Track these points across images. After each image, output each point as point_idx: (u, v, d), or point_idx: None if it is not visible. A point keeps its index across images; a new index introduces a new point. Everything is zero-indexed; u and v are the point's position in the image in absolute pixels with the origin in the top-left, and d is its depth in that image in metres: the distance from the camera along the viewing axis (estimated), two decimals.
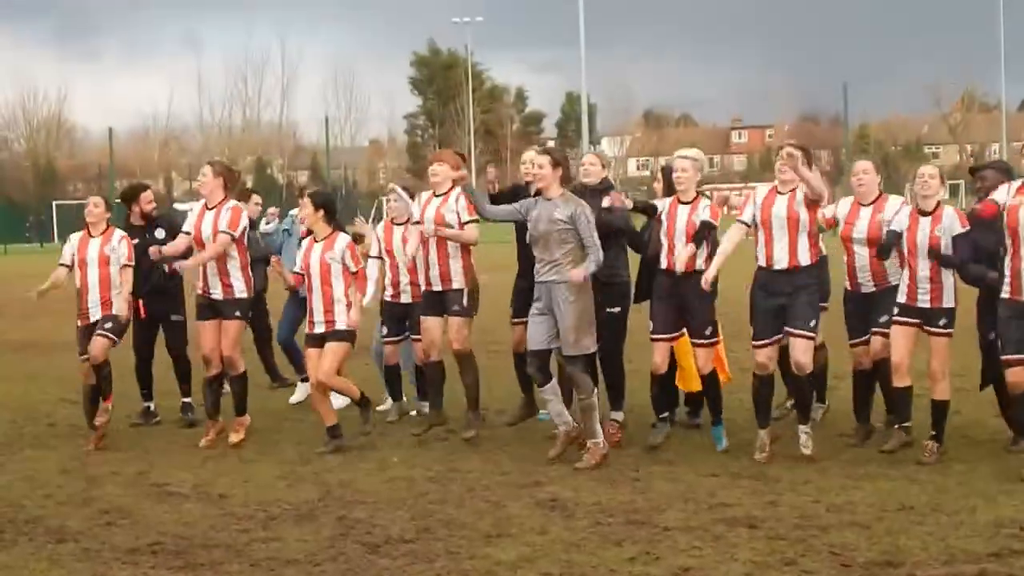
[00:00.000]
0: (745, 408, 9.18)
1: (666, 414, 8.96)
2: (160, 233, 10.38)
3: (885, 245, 8.20)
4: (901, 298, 8.20)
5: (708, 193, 9.05)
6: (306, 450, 9.11)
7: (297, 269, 9.35)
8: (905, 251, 8.19)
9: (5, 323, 20.06)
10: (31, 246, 59.04)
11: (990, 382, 8.51)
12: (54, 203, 65.15)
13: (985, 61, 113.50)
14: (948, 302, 8.09)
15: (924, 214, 8.13)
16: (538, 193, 8.62)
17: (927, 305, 8.10)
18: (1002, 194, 7.66)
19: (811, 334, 8.27)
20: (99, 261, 9.57)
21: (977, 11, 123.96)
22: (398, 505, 7.39)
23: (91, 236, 9.70)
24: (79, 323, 9.72)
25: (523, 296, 9.06)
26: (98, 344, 9.44)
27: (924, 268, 8.07)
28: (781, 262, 8.25)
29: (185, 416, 10.47)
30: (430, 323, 9.32)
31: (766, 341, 8.37)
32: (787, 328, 8.29)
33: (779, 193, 8.35)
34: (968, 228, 8.02)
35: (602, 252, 8.38)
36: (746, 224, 8.46)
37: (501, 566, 6.10)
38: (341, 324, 9.06)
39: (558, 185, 8.47)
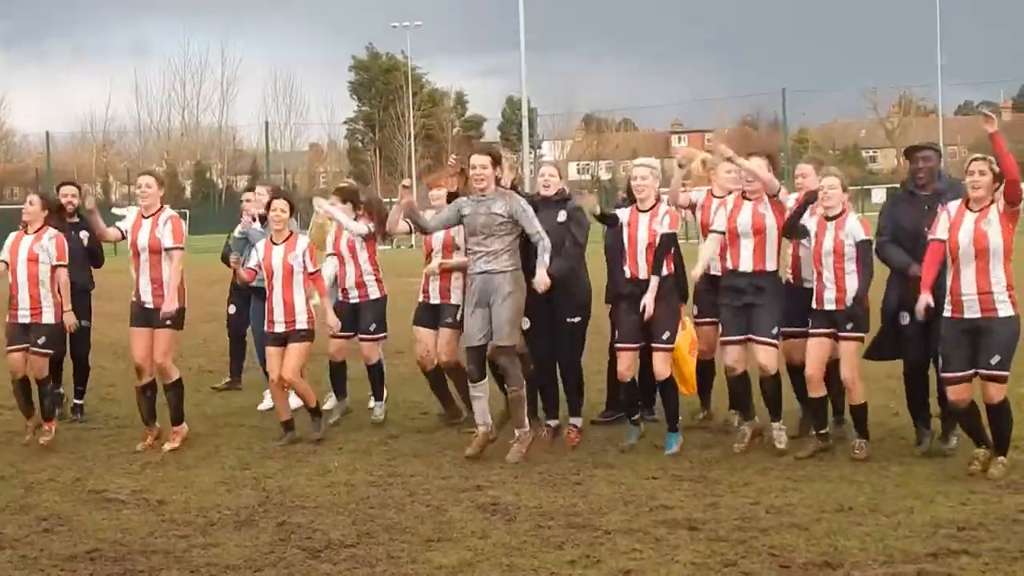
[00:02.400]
0: (684, 411, 9.23)
1: (637, 416, 9.07)
2: (83, 235, 10.51)
3: (798, 229, 8.40)
4: (813, 304, 8.33)
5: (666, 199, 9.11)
6: (246, 455, 9.06)
7: (251, 265, 9.54)
8: (812, 256, 8.36)
9: None
10: None
11: (876, 356, 8.56)
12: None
13: (922, 67, 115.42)
14: (849, 301, 8.14)
15: (828, 219, 8.26)
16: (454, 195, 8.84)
17: (833, 307, 8.20)
18: (953, 207, 7.72)
19: (774, 341, 8.44)
20: (28, 259, 9.43)
21: (915, 19, 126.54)
22: (339, 510, 7.35)
23: (25, 233, 9.56)
24: (8, 319, 9.60)
25: None
26: (37, 364, 9.47)
27: (829, 272, 8.20)
28: (746, 266, 8.44)
29: (75, 417, 10.67)
30: (423, 334, 9.69)
31: (733, 338, 8.59)
32: (751, 336, 8.48)
33: (746, 200, 8.54)
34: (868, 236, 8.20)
35: (545, 235, 8.51)
36: (721, 233, 8.63)
37: (442, 570, 6.09)
38: (302, 324, 9.30)
39: (494, 182, 8.62)
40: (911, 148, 8.87)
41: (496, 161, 8.73)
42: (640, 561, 6.13)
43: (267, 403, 10.77)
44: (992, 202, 7.57)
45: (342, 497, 7.68)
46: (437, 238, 9.56)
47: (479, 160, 8.69)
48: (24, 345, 9.51)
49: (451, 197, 9.46)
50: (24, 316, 9.45)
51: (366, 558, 6.33)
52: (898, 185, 8.89)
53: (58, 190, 10.88)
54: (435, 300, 9.66)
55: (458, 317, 9.38)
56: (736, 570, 5.95)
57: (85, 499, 7.87)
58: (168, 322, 9.26)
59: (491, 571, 6.04)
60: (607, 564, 6.10)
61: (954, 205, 7.69)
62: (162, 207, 9.48)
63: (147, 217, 9.39)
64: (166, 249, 9.27)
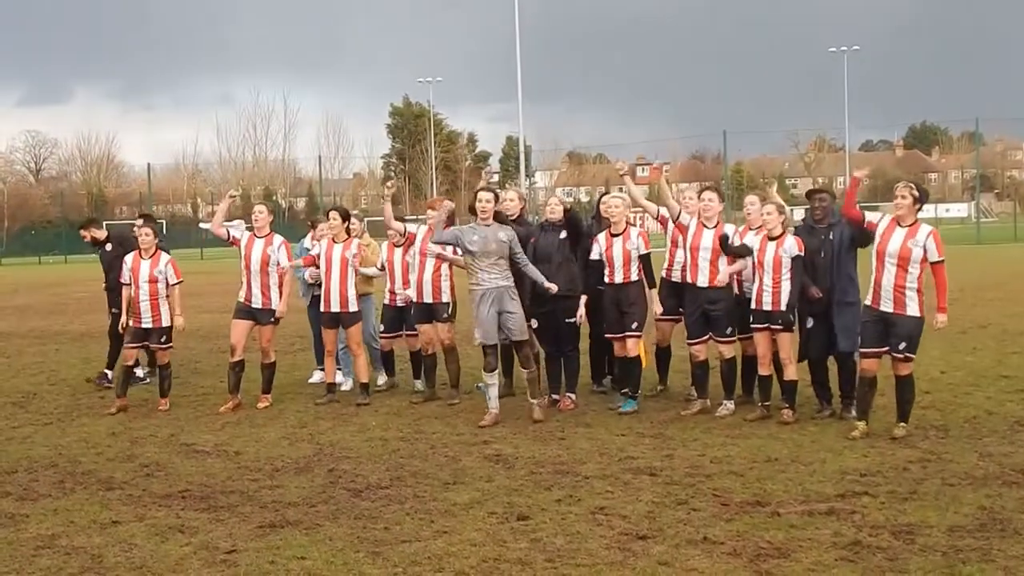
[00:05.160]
0: (647, 383, 9.25)
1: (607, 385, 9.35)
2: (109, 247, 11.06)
3: (735, 250, 8.41)
4: (752, 304, 8.32)
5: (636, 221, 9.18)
6: (303, 416, 9.05)
7: (312, 254, 9.80)
8: (756, 265, 8.32)
9: (67, 317, 19.67)
10: (85, 256, 58.04)
11: (803, 358, 8.54)
12: (104, 223, 64.24)
13: (834, 113, 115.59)
14: (784, 304, 8.15)
15: (771, 239, 8.23)
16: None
17: (770, 308, 8.20)
18: (877, 217, 7.72)
19: (731, 338, 8.53)
20: (149, 280, 9.49)
21: (829, 76, 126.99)
22: (376, 459, 7.36)
23: (142, 259, 9.61)
24: (131, 323, 9.62)
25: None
26: (162, 357, 9.71)
27: (768, 279, 8.18)
28: (703, 281, 8.47)
29: (101, 383, 10.92)
30: (424, 328, 9.63)
31: (699, 340, 8.64)
32: (713, 336, 8.55)
33: (705, 228, 8.55)
34: (802, 253, 8.16)
35: (530, 262, 8.59)
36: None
37: (456, 507, 6.10)
38: (352, 307, 9.53)
39: (492, 215, 8.62)
40: (810, 191, 8.84)
41: (497, 198, 8.76)
42: (611, 500, 6.15)
43: (315, 377, 10.78)
44: (917, 222, 7.54)
45: (378, 449, 7.70)
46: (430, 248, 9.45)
47: (485, 196, 8.69)
48: (143, 343, 9.65)
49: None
50: (147, 323, 9.51)
51: (397, 497, 6.35)
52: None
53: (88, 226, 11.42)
54: (428, 300, 9.51)
55: (448, 312, 9.45)
56: (687, 507, 5.95)
57: (178, 451, 7.89)
58: (271, 320, 9.44)
59: (495, 507, 6.04)
60: (586, 502, 6.11)
61: (886, 219, 7.64)
62: (271, 232, 9.57)
63: (259, 238, 9.47)
64: (280, 266, 9.41)
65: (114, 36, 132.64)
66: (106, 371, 11.08)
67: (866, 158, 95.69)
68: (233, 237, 9.65)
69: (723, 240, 8.42)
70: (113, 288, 10.71)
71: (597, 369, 9.84)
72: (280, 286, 9.47)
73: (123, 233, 11.26)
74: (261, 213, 9.65)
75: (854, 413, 8.06)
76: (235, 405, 9.37)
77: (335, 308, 9.50)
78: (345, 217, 9.71)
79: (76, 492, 6.72)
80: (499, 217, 8.77)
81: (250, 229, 9.67)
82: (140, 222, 11.12)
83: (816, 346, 8.41)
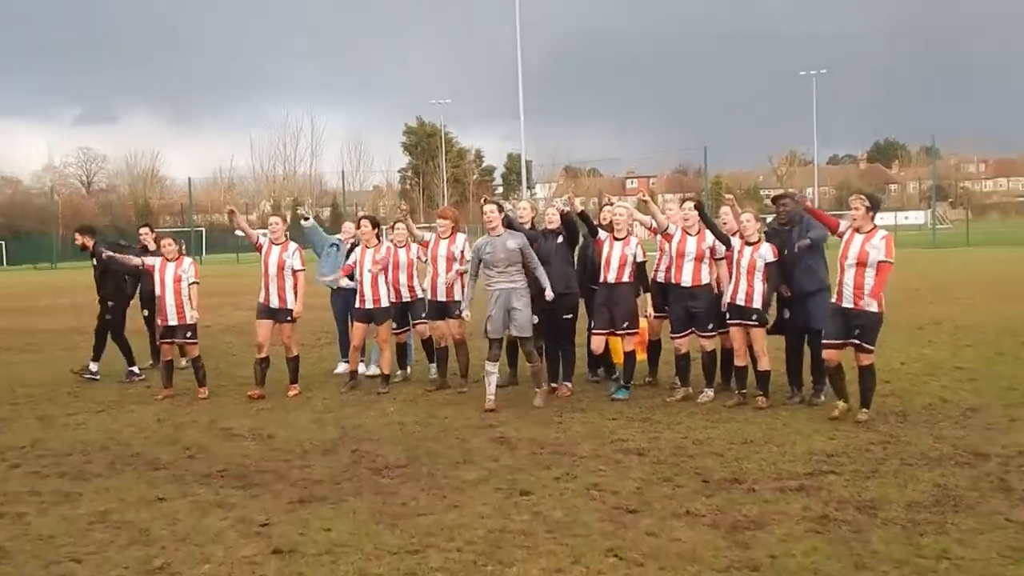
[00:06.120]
0: (637, 374, 9.25)
1: (601, 371, 9.34)
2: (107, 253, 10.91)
3: (718, 232, 8.54)
4: (727, 299, 8.36)
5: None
6: (330, 403, 9.07)
7: (349, 263, 9.82)
8: (733, 266, 8.37)
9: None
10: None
11: (776, 332, 8.53)
12: (140, 231, 64.35)
13: (804, 130, 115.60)
14: (757, 303, 8.20)
15: (746, 243, 8.27)
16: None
17: (743, 305, 8.22)
18: (843, 225, 7.73)
19: (711, 333, 8.57)
20: (174, 280, 9.58)
21: (799, 97, 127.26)
22: (394, 441, 7.37)
23: (168, 261, 9.68)
24: (160, 321, 9.80)
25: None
26: (190, 350, 9.82)
27: (743, 280, 8.22)
28: (687, 282, 8.52)
29: (84, 375, 11.00)
30: (438, 324, 9.65)
31: (682, 334, 8.68)
32: (695, 331, 8.58)
33: (688, 235, 8.60)
34: (776, 259, 8.20)
35: (541, 267, 8.59)
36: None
37: (466, 483, 6.11)
38: (385, 304, 9.58)
39: (501, 226, 8.63)
40: (775, 197, 8.88)
41: (501, 209, 8.77)
42: (604, 477, 6.16)
43: (340, 368, 10.80)
44: (874, 228, 7.57)
45: (396, 432, 7.71)
46: (441, 256, 9.49)
47: (489, 208, 8.70)
48: (173, 339, 9.72)
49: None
50: (173, 320, 9.58)
51: (413, 475, 6.36)
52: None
53: (89, 232, 11.40)
54: (442, 298, 9.56)
55: (462, 309, 9.33)
56: (671, 484, 5.97)
57: (217, 434, 7.91)
58: (289, 318, 9.46)
59: (500, 484, 6.05)
60: (581, 479, 6.12)
61: (847, 227, 7.66)
62: (287, 239, 9.58)
63: (276, 245, 9.48)
64: (295, 271, 9.42)
65: (160, 62, 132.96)
66: (90, 364, 11.06)
67: (833, 171, 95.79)
68: (259, 243, 9.68)
69: (707, 224, 8.52)
70: (104, 290, 10.99)
71: (592, 360, 9.85)
72: (295, 288, 9.47)
73: (110, 246, 11.06)
74: (276, 223, 9.65)
75: (822, 398, 8.07)
76: (259, 395, 9.38)
77: (369, 305, 9.54)
78: (375, 225, 9.77)
79: (126, 472, 6.75)
80: (511, 224, 8.80)
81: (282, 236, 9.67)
82: (146, 233, 11.32)
83: (792, 335, 8.46)
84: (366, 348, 10.25)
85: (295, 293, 9.46)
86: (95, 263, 11.13)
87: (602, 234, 8.98)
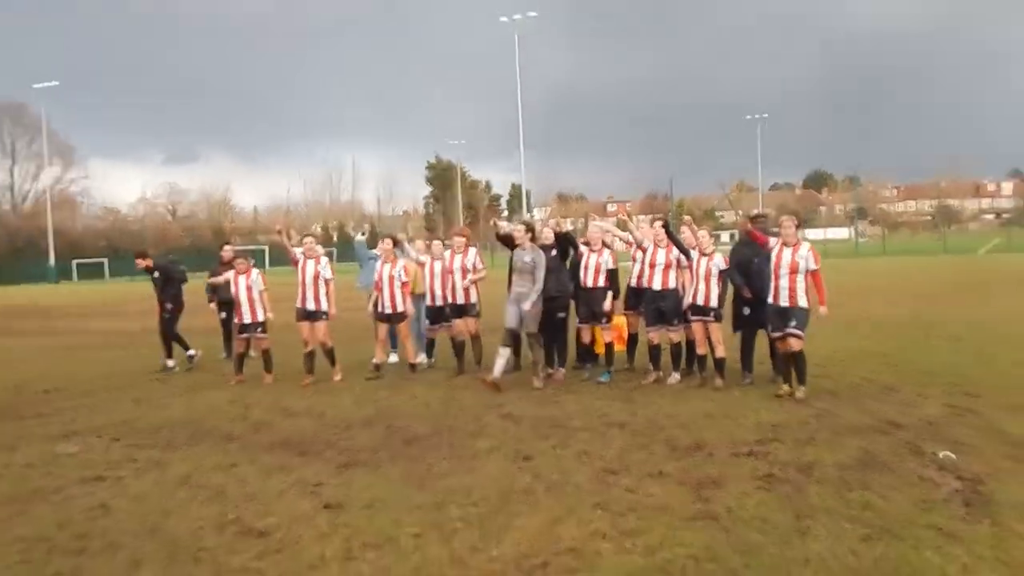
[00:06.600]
0: (619, 361, 9.21)
1: (589, 364, 9.18)
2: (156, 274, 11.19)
3: (677, 242, 8.49)
4: (688, 299, 8.36)
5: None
6: (367, 387, 9.04)
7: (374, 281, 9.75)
8: (692, 273, 8.37)
9: (188, 319, 19.62)
10: (199, 274, 58.35)
11: (736, 330, 8.51)
12: (223, 248, 64.56)
13: (749, 161, 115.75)
14: (713, 303, 8.22)
15: (703, 255, 8.29)
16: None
17: (703, 304, 8.23)
18: (772, 242, 7.76)
19: (677, 327, 8.50)
20: (246, 287, 9.60)
21: (744, 134, 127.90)
22: (421, 418, 7.36)
23: (239, 274, 9.68)
24: (236, 319, 9.76)
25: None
26: (262, 344, 9.78)
27: (702, 284, 8.23)
28: (657, 286, 8.50)
29: (169, 370, 10.90)
30: (457, 321, 9.62)
31: (652, 328, 8.65)
32: (665, 326, 8.54)
33: (659, 248, 8.58)
34: (727, 267, 8.23)
35: (542, 283, 8.56)
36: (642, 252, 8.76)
37: (480, 451, 6.10)
38: (400, 309, 9.56)
39: (527, 241, 8.63)
40: (754, 216, 8.77)
41: (529, 228, 8.77)
42: (592, 445, 6.15)
43: (381, 358, 10.80)
44: (798, 242, 7.60)
45: (422, 411, 7.69)
46: (457, 267, 9.48)
47: (517, 228, 8.77)
48: (248, 335, 9.69)
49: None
50: (247, 319, 9.58)
51: (437, 445, 6.35)
52: (735, 231, 8.92)
53: (143, 255, 11.39)
54: (461, 302, 9.56)
55: (475, 310, 9.38)
56: (647, 450, 5.95)
57: (278, 412, 7.90)
58: (323, 318, 9.44)
59: (507, 452, 6.04)
60: (573, 447, 6.11)
61: (776, 242, 7.70)
62: (318, 254, 9.57)
63: (310, 259, 9.47)
64: (326, 280, 9.41)
65: (231, 111, 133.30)
66: (167, 361, 11.05)
67: (774, 195, 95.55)
68: (295, 258, 9.66)
69: (672, 240, 8.49)
70: (166, 302, 11.07)
71: (580, 353, 9.79)
72: (328, 294, 9.47)
73: (164, 265, 11.31)
74: (310, 242, 9.63)
75: (785, 388, 8.11)
76: (311, 381, 9.37)
77: (387, 311, 9.56)
78: (395, 243, 9.78)
79: (204, 443, 6.76)
80: (536, 242, 8.84)
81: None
82: (230, 250, 11.33)
83: (747, 328, 8.43)
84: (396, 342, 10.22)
85: (327, 298, 9.46)
86: (154, 276, 11.18)
87: (584, 248, 8.99)
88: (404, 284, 9.61)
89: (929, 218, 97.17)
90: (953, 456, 5.49)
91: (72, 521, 4.93)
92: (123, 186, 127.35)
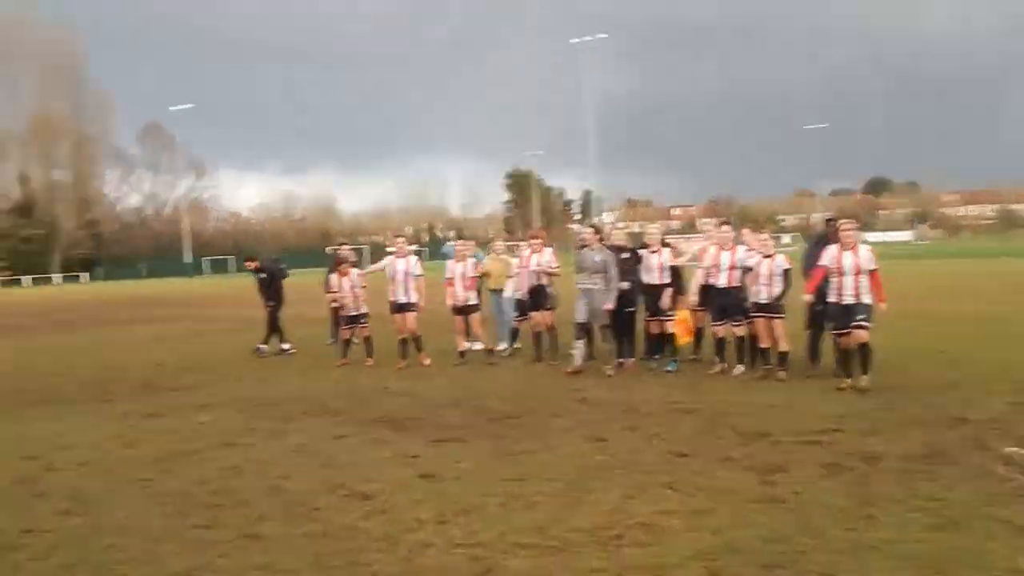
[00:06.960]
0: (687, 352, 8.99)
1: (656, 356, 8.97)
2: (262, 274, 11.37)
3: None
4: (752, 297, 8.05)
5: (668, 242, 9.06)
6: (456, 371, 9.13)
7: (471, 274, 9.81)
8: (754, 274, 8.08)
9: (296, 308, 20.29)
10: (309, 270, 60.50)
11: (811, 325, 8.16)
12: (326, 249, 66.62)
13: (811, 167, 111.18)
14: (776, 300, 7.91)
15: (766, 257, 8.00)
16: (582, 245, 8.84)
17: (766, 302, 7.95)
18: (826, 258, 7.42)
19: (741, 323, 8.21)
20: (351, 285, 9.94)
21: (805, 141, 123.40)
22: (505, 399, 7.39)
23: (342, 276, 10.03)
24: (342, 312, 10.08)
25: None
26: (365, 332, 10.03)
27: (764, 283, 7.94)
28: (722, 283, 8.28)
29: (262, 353, 11.07)
30: (535, 315, 9.58)
31: (718, 323, 8.42)
32: (729, 321, 8.28)
33: (723, 251, 8.33)
34: (790, 267, 7.94)
35: (618, 280, 8.46)
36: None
37: (558, 429, 6.10)
38: (473, 302, 9.64)
39: (597, 242, 8.56)
40: (829, 219, 8.41)
41: (597, 231, 8.70)
42: (662, 428, 6.04)
43: (463, 346, 10.91)
44: (856, 245, 7.28)
45: (508, 391, 7.71)
46: (533, 265, 9.38)
47: (586, 230, 8.71)
48: (352, 325, 9.99)
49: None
50: (352, 312, 9.90)
51: (519, 424, 6.36)
52: (798, 232, 8.59)
53: (252, 259, 11.73)
54: (537, 295, 9.49)
55: (550, 303, 9.34)
56: (714, 436, 5.80)
57: (379, 391, 8.08)
58: (413, 309, 9.58)
59: (583, 432, 6.00)
60: (644, 430, 6.01)
61: (833, 249, 7.38)
62: (408, 253, 9.73)
63: (400, 258, 9.64)
64: (415, 276, 9.54)
65: (337, 126, 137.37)
66: (260, 345, 11.32)
67: (834, 200, 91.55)
68: (383, 267, 9.83)
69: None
70: (270, 298, 11.30)
71: (648, 347, 9.59)
72: (418, 288, 9.58)
73: (270, 266, 11.62)
74: (401, 241, 9.83)
75: (855, 380, 7.77)
76: (404, 365, 9.54)
77: (460, 304, 9.65)
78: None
79: (316, 417, 6.96)
80: (606, 243, 8.78)
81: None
82: (345, 250, 11.57)
83: (816, 323, 8.11)
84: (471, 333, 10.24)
85: (417, 292, 9.59)
86: (261, 276, 11.53)
87: (643, 252, 8.87)
88: (472, 280, 9.69)
89: (991, 222, 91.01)
90: (1022, 451, 5.11)
91: (209, 480, 5.18)
92: (243, 192, 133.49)
